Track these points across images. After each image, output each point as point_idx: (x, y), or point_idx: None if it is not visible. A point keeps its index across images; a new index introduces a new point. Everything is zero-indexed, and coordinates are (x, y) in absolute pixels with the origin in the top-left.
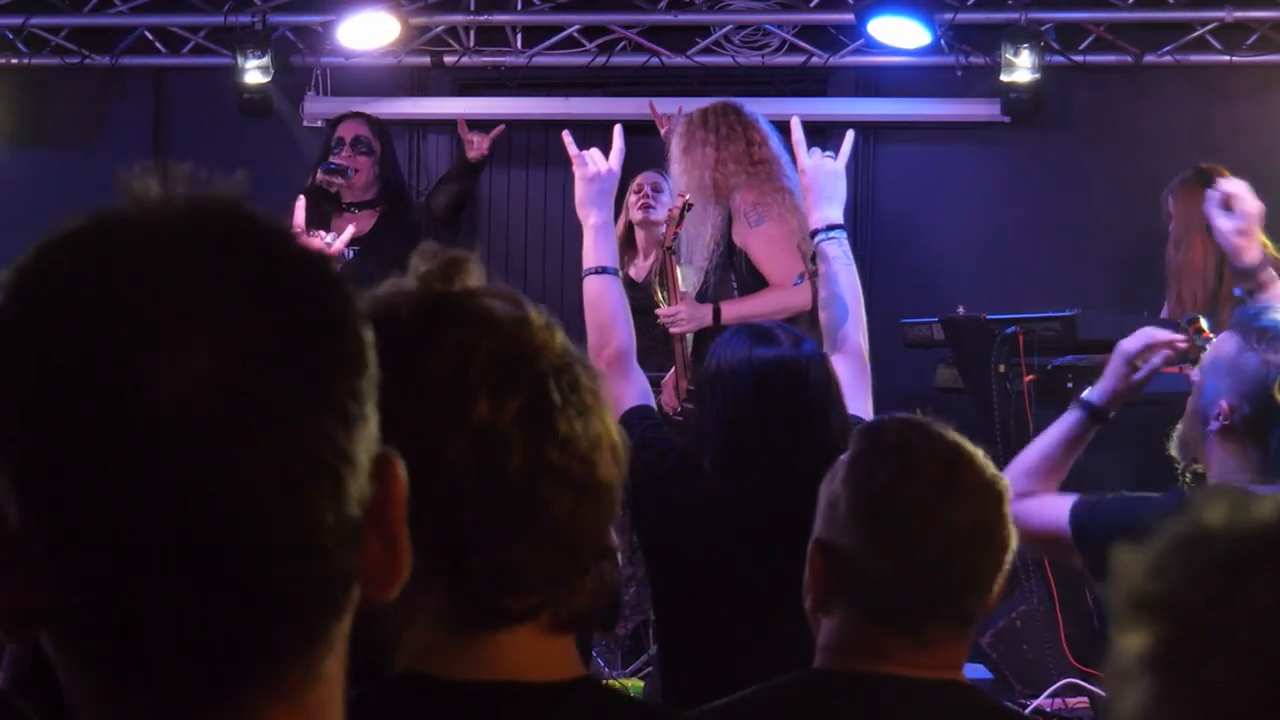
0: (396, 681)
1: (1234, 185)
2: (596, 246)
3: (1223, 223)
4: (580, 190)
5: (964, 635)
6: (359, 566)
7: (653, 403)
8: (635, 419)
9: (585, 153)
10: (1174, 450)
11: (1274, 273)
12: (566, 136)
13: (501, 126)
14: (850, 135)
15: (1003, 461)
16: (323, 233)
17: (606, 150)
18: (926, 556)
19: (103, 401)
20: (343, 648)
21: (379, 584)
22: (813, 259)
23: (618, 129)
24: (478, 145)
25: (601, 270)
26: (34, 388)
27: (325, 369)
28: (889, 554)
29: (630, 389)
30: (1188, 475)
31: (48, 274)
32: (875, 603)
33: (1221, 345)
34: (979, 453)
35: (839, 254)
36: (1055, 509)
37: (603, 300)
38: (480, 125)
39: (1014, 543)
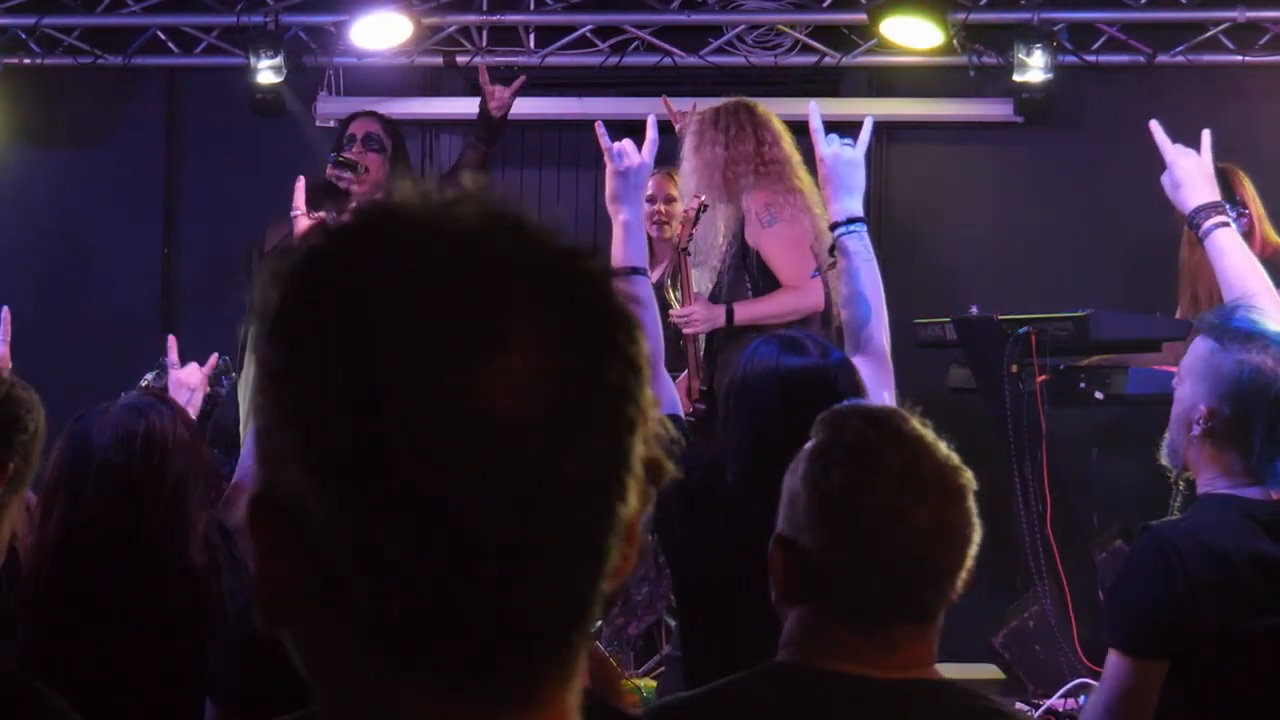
0: None
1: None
2: (626, 246)
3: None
4: (611, 184)
5: (927, 633)
6: None
7: (680, 410)
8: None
9: (617, 145)
10: (1164, 459)
11: None
12: (599, 128)
13: (523, 78)
14: (869, 121)
15: (1014, 462)
16: (323, 214)
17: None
18: (885, 557)
19: (435, 404)
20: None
21: (612, 577)
22: (831, 251)
23: (651, 119)
24: (499, 96)
25: (634, 271)
26: (368, 387)
27: (620, 382)
28: (847, 555)
29: (660, 396)
30: (1180, 483)
31: (362, 283)
32: (835, 602)
33: (1196, 348)
34: (941, 446)
35: (859, 248)
36: None
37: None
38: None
39: (977, 537)
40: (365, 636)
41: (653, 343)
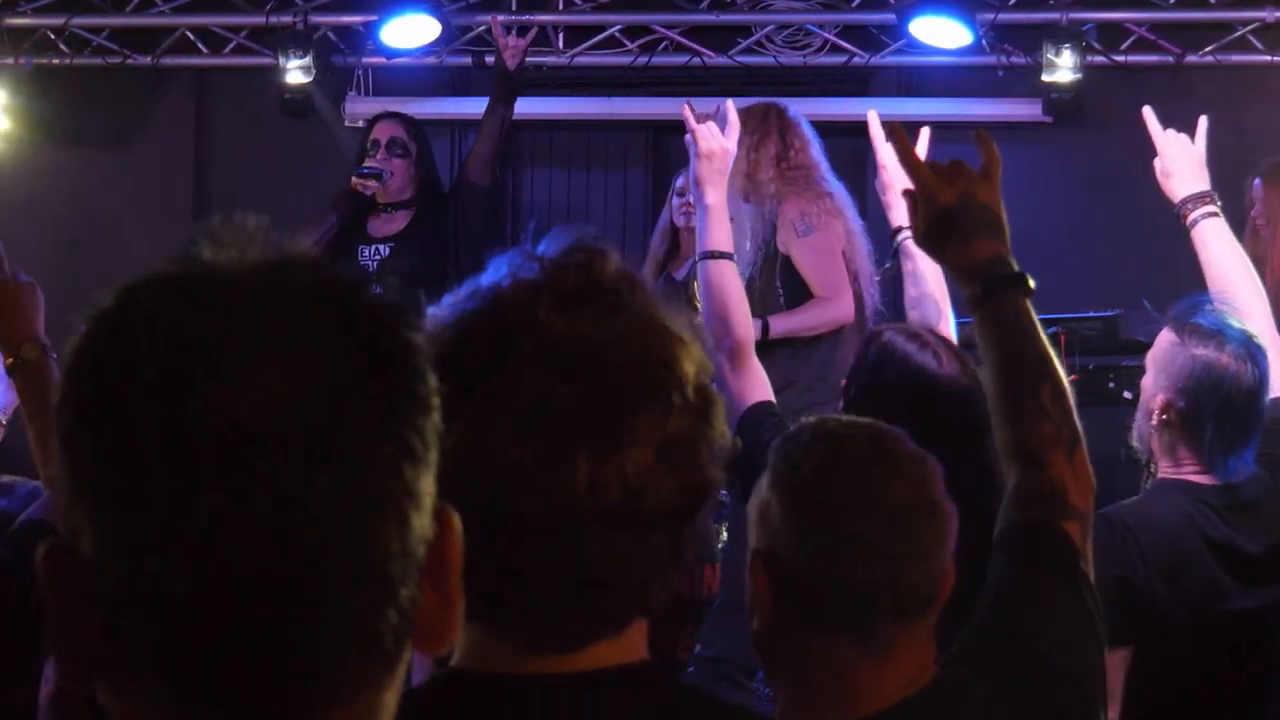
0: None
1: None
2: (712, 229)
3: None
4: (696, 168)
5: (918, 630)
6: (415, 615)
7: (772, 395)
8: (757, 419)
9: (703, 126)
10: (1134, 442)
11: None
12: (685, 110)
13: (534, 30)
14: (925, 132)
15: None
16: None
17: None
18: (868, 536)
19: (181, 430)
20: (400, 683)
21: (430, 638)
22: (894, 254)
23: (729, 103)
24: (513, 45)
25: (719, 255)
26: (114, 420)
27: (393, 404)
28: (830, 542)
29: (751, 384)
30: (1151, 466)
31: (128, 311)
32: (824, 605)
33: (1160, 339)
34: (903, 434)
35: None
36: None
37: (722, 287)
38: (518, 124)
39: (954, 524)
40: (144, 678)
41: (741, 326)
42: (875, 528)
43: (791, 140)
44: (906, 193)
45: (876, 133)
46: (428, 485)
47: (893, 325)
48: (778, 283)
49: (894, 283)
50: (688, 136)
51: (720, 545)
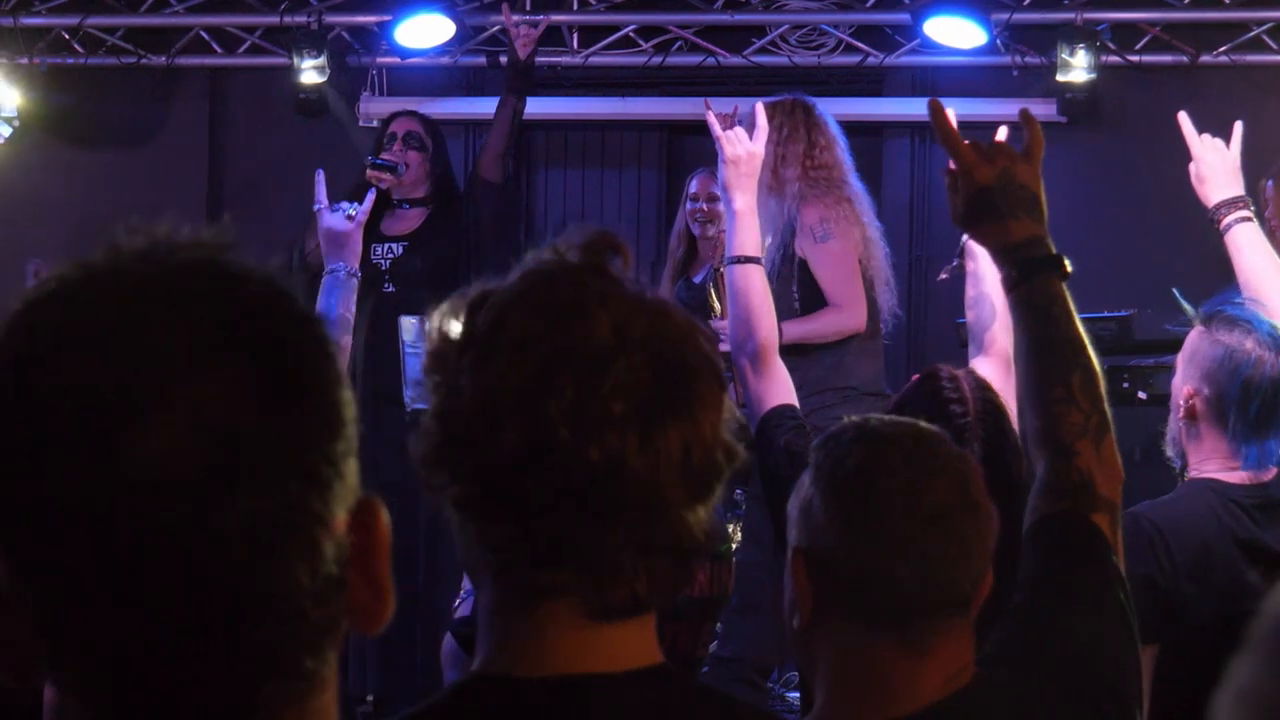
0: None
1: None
2: (740, 233)
3: None
4: (724, 173)
5: (958, 629)
6: (345, 608)
7: (795, 400)
8: (778, 421)
9: (729, 133)
10: (1169, 450)
11: None
12: (710, 116)
13: (544, 20)
14: (951, 113)
15: None
16: (345, 204)
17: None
18: (910, 533)
19: (77, 468)
20: (334, 679)
21: (365, 622)
22: (959, 253)
23: (758, 106)
24: (525, 35)
25: (744, 259)
26: (11, 453)
27: (299, 436)
28: (873, 539)
29: (773, 386)
30: (1184, 475)
31: (27, 339)
32: (865, 602)
33: (1188, 337)
34: (945, 434)
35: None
36: None
37: (747, 291)
38: (532, 124)
39: (996, 524)
40: (78, 696)
41: (765, 331)
42: (917, 526)
43: (817, 138)
44: (946, 171)
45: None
46: (343, 501)
47: (946, 369)
48: (794, 286)
49: (957, 282)
50: (716, 132)
51: (734, 546)
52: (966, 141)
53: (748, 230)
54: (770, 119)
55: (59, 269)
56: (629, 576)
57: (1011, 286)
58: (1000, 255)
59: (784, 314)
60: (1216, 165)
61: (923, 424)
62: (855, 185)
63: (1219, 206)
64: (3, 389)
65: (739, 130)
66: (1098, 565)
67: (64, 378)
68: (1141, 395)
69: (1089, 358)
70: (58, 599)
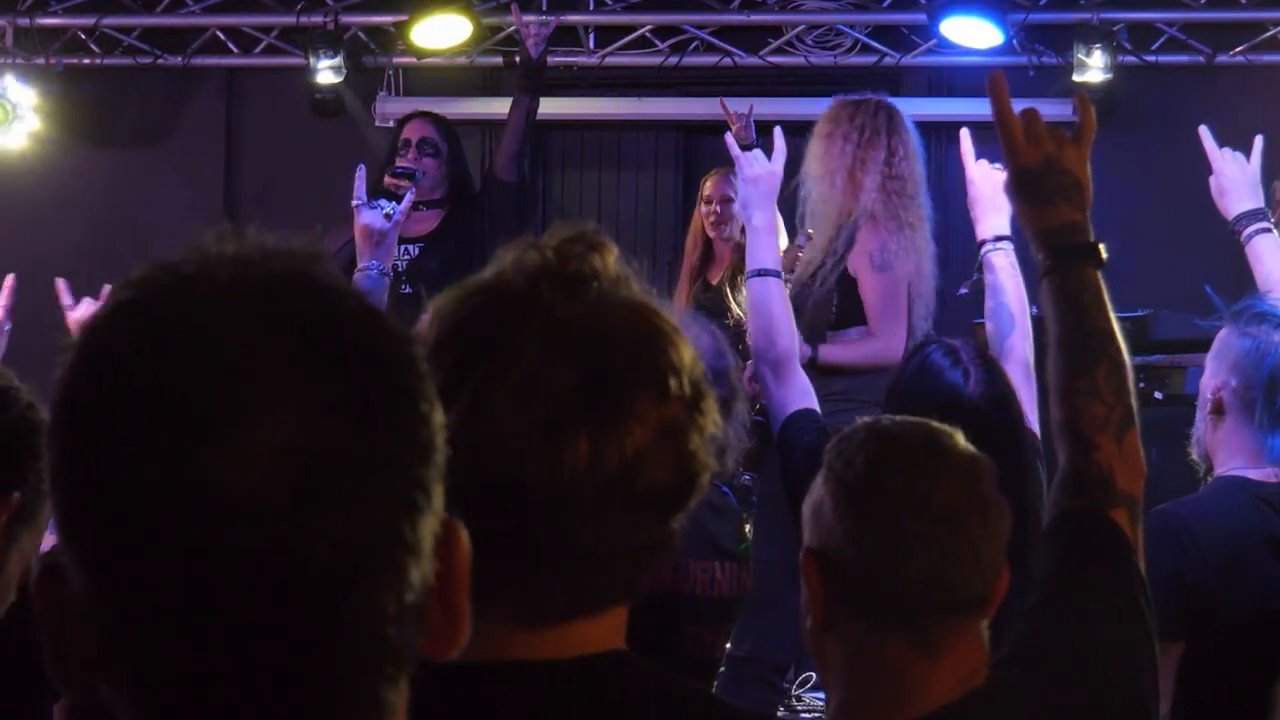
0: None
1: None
2: (759, 248)
3: None
4: (743, 191)
5: (970, 630)
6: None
7: (815, 404)
8: (800, 424)
9: (748, 154)
10: (1194, 451)
11: None
12: (729, 138)
13: (554, 20)
14: (965, 135)
15: None
16: (383, 201)
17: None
18: (918, 533)
19: (160, 481)
20: (403, 703)
21: (438, 647)
22: (978, 268)
23: (777, 130)
24: (536, 32)
25: (764, 273)
26: (96, 460)
27: (390, 458)
28: (880, 539)
29: (794, 392)
30: (1209, 478)
31: (117, 344)
32: (874, 603)
33: (1218, 336)
34: (958, 433)
35: (1005, 264)
36: None
37: (766, 303)
38: (548, 124)
39: (1008, 525)
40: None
41: (785, 340)
42: (926, 526)
43: (896, 146)
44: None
45: (966, 149)
46: (429, 527)
47: (936, 340)
48: (835, 298)
49: (978, 296)
50: (734, 153)
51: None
52: (1020, 119)
53: (766, 245)
54: (851, 118)
55: (143, 272)
56: (546, 588)
57: (1045, 273)
58: (1036, 239)
59: (820, 320)
60: (1237, 178)
61: (934, 424)
62: (925, 203)
63: (1239, 219)
64: (90, 395)
65: (757, 152)
66: (1115, 564)
67: (153, 388)
68: (1158, 395)
69: (1118, 349)
70: (130, 613)
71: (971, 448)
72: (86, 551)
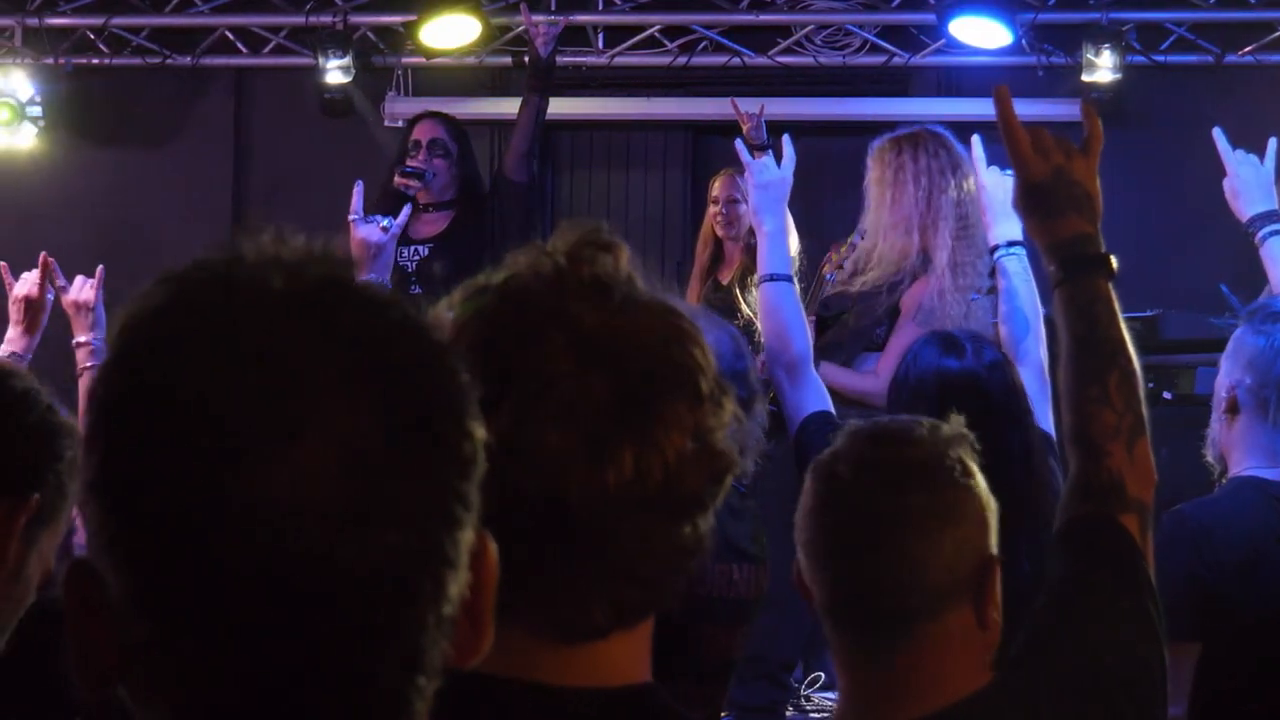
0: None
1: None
2: (770, 254)
3: None
4: (754, 198)
5: (952, 630)
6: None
7: (830, 405)
8: (816, 426)
9: (758, 161)
10: (1209, 453)
11: None
12: (739, 144)
13: (563, 21)
14: (977, 141)
15: None
16: (379, 216)
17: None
18: (885, 547)
19: (217, 500)
20: (427, 712)
21: (461, 656)
22: (991, 274)
23: (786, 138)
24: (546, 32)
25: (776, 277)
26: (148, 479)
27: (437, 476)
28: (849, 553)
29: (809, 395)
30: (1223, 480)
31: (162, 360)
32: (848, 612)
33: (1233, 336)
34: (952, 452)
35: (1018, 269)
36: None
37: (779, 307)
38: (557, 124)
39: (987, 520)
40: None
41: (798, 343)
42: (894, 538)
43: (961, 182)
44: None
45: (978, 156)
46: (467, 540)
47: (935, 332)
48: (877, 330)
49: (993, 302)
50: (745, 159)
51: None
52: (1027, 133)
53: (778, 250)
54: (915, 159)
55: (181, 272)
56: (586, 604)
57: (1056, 284)
58: (1047, 252)
59: (861, 343)
60: (1250, 180)
61: (916, 429)
62: (983, 235)
63: (1254, 220)
64: (138, 403)
65: (767, 159)
66: (1123, 569)
67: (203, 398)
68: (1167, 395)
69: (1129, 358)
70: (169, 620)
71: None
72: (127, 558)
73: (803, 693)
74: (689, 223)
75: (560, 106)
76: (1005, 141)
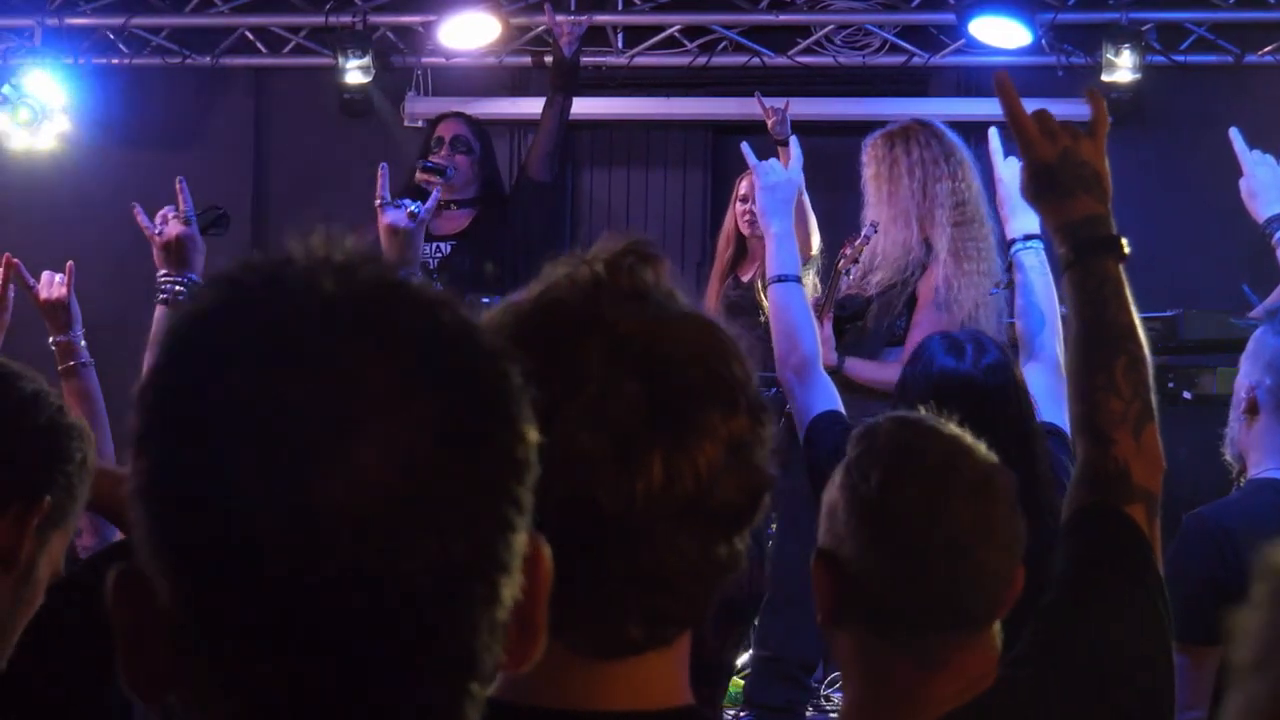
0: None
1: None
2: (778, 255)
3: None
4: (761, 200)
5: (979, 642)
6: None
7: (839, 405)
8: (825, 425)
9: (764, 163)
10: (1227, 452)
11: None
12: (745, 147)
13: (586, 19)
14: (994, 135)
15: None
16: (407, 200)
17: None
18: (924, 558)
19: (275, 505)
20: (478, 717)
21: (512, 663)
22: (1008, 269)
23: (794, 139)
24: (570, 31)
25: (784, 278)
26: (204, 483)
27: (492, 480)
28: (887, 559)
29: (818, 395)
30: (1241, 479)
31: (216, 362)
32: (879, 617)
33: (1253, 337)
34: (980, 447)
35: (1035, 263)
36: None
37: (787, 308)
38: (577, 124)
39: (1022, 542)
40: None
41: (807, 344)
42: (935, 549)
43: (956, 169)
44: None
45: (995, 149)
46: (521, 544)
47: (943, 333)
48: (899, 319)
49: (1011, 295)
50: (751, 162)
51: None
52: (1033, 116)
53: (786, 251)
54: (908, 152)
55: (231, 272)
56: (618, 612)
57: (1066, 266)
58: (1058, 234)
59: (882, 340)
60: (1267, 180)
61: (956, 436)
62: (987, 217)
63: (1270, 221)
64: (193, 405)
65: (774, 161)
66: (1128, 561)
67: (260, 402)
68: (1186, 395)
69: (1138, 344)
70: (224, 626)
71: (991, 458)
72: (178, 564)
73: (823, 693)
74: (708, 222)
75: (580, 106)
76: (1010, 126)
